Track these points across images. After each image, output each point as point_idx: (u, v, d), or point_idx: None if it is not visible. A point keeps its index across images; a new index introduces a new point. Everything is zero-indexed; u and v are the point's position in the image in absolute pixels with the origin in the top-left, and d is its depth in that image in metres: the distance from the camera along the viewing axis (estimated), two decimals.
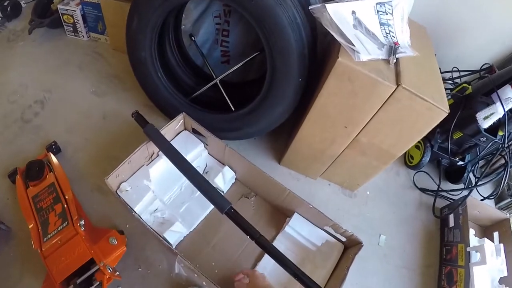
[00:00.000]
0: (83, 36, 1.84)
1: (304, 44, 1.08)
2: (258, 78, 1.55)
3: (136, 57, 1.32)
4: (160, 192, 1.27)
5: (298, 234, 1.25)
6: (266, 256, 1.22)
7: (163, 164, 1.29)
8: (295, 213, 1.28)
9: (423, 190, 1.70)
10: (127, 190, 1.18)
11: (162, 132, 1.22)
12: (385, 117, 1.11)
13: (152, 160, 1.30)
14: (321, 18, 1.04)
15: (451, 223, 1.50)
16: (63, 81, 1.63)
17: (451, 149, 1.59)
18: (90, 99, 1.59)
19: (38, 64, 1.69)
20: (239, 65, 1.36)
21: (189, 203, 1.29)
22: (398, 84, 1.00)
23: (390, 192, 1.64)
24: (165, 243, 1.04)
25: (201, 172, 1.34)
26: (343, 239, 1.24)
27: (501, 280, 1.31)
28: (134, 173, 1.24)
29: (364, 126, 1.17)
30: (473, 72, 1.73)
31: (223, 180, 1.34)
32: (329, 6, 1.05)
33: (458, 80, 1.77)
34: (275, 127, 1.35)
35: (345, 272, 1.10)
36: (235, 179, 1.40)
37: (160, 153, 1.27)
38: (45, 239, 1.04)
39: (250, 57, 1.34)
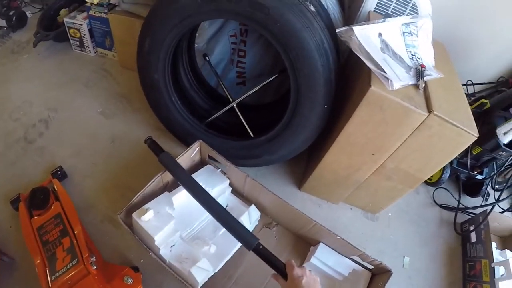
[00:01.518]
0: (90, 52, 1.77)
1: (331, 69, 1.04)
2: (275, 101, 1.50)
3: (148, 79, 1.26)
4: (180, 227, 1.15)
5: (324, 264, 1.21)
6: None
7: (184, 195, 1.19)
8: (321, 243, 1.24)
9: (443, 206, 1.68)
10: (149, 219, 1.06)
11: (178, 160, 1.17)
12: (414, 144, 1.08)
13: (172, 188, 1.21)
14: (349, 42, 1.00)
15: (473, 239, 1.49)
16: (69, 99, 1.57)
17: (470, 164, 1.57)
18: (97, 120, 1.52)
19: (42, 80, 1.63)
20: (257, 87, 1.31)
21: (212, 242, 1.17)
22: (429, 112, 0.97)
23: (411, 212, 1.62)
24: (188, 284, 0.98)
25: None
26: (371, 267, 1.21)
27: None
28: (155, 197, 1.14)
29: (392, 153, 1.13)
30: (488, 84, 1.72)
31: (249, 220, 1.27)
32: (356, 29, 1.01)
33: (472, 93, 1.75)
34: (297, 154, 1.30)
35: None
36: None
37: None
38: (53, 277, 0.97)
39: (269, 80, 1.30)
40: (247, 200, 1.32)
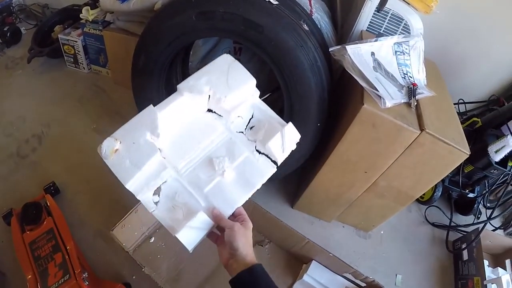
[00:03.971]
0: (84, 68, 1.78)
1: (324, 87, 1.05)
2: None
3: (142, 97, 1.27)
4: (173, 156, 0.76)
5: (317, 282, 1.21)
6: None
7: (182, 106, 0.78)
8: (313, 261, 1.23)
9: (435, 225, 1.69)
10: (116, 150, 0.71)
11: None
12: (406, 161, 1.09)
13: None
14: (342, 61, 1.02)
15: (465, 257, 1.49)
16: (63, 115, 1.56)
17: (461, 182, 1.58)
18: (90, 136, 1.52)
19: (36, 96, 1.63)
20: None
21: (220, 179, 0.75)
22: (422, 129, 0.98)
23: (403, 230, 1.63)
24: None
25: (244, 127, 0.82)
26: (363, 284, 1.20)
27: None
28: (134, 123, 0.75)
29: (385, 171, 1.14)
30: (480, 103, 1.75)
31: (282, 145, 0.80)
32: (349, 48, 1.03)
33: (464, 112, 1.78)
34: (290, 172, 1.30)
35: None
36: None
37: (181, 86, 0.78)
38: None
39: (262, 98, 1.28)
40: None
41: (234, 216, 0.73)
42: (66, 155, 1.43)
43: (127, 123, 0.74)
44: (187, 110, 0.79)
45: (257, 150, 0.80)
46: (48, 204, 1.19)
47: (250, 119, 0.83)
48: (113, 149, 0.70)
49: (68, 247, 1.05)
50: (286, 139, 0.80)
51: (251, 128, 0.82)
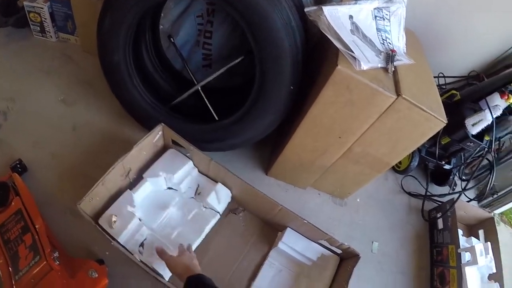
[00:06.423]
0: (51, 37, 1.68)
1: (298, 49, 1.01)
2: (243, 84, 1.46)
3: (108, 60, 1.19)
4: (148, 219, 1.15)
5: (292, 249, 1.21)
6: (260, 276, 1.17)
7: (149, 187, 1.19)
8: (288, 228, 1.23)
9: (411, 194, 1.72)
10: (114, 222, 1.06)
11: (140, 146, 1.13)
12: (382, 127, 1.07)
13: (133, 182, 1.19)
14: (318, 22, 0.98)
15: (440, 226, 1.53)
16: (29, 88, 1.48)
17: (438, 153, 1.60)
18: (58, 108, 1.44)
19: (1, 69, 1.53)
20: (222, 70, 1.27)
21: (182, 228, 1.17)
22: (398, 95, 0.96)
23: (379, 198, 1.65)
24: (158, 277, 0.97)
25: (193, 194, 1.26)
26: (339, 251, 1.21)
27: (490, 277, 1.37)
28: (116, 200, 1.12)
29: (360, 136, 1.12)
30: (460, 78, 1.75)
31: (217, 200, 1.24)
32: (326, 9, 0.99)
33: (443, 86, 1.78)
34: (263, 137, 1.27)
35: (344, 286, 1.08)
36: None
37: (145, 175, 1.19)
38: (16, 277, 0.93)
39: (235, 62, 1.26)
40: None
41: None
42: (33, 131, 1.35)
43: (115, 202, 1.11)
44: (154, 189, 1.21)
45: (204, 206, 1.23)
46: (16, 184, 1.12)
47: (197, 188, 1.27)
48: (113, 221, 1.06)
49: (37, 226, 1.01)
50: (219, 194, 1.24)
51: (199, 193, 1.26)
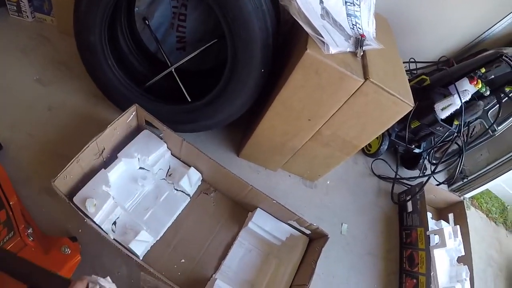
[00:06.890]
0: (28, 17, 1.64)
1: (269, 33, 1.03)
2: (216, 67, 1.47)
3: (84, 41, 1.19)
4: (121, 199, 1.17)
5: (262, 229, 1.24)
6: (231, 255, 1.19)
7: (122, 167, 1.19)
8: (258, 209, 1.26)
9: (381, 177, 1.75)
10: (95, 205, 1.06)
11: (114, 125, 1.13)
12: (350, 110, 1.10)
13: (107, 161, 1.20)
14: (288, 7, 1.00)
15: (410, 208, 1.57)
16: (3, 68, 1.45)
17: (408, 137, 1.64)
18: (34, 88, 1.42)
19: None
20: (195, 52, 1.28)
21: (154, 209, 1.20)
22: (366, 78, 0.99)
23: (349, 181, 1.68)
24: (132, 255, 0.98)
25: (164, 175, 1.29)
26: (308, 232, 1.24)
27: (459, 259, 1.42)
28: (90, 179, 1.12)
29: (329, 119, 1.15)
30: (430, 63, 1.79)
31: (189, 183, 1.27)
32: None
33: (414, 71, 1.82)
34: (235, 119, 1.29)
35: (312, 266, 1.10)
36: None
37: (120, 155, 1.19)
38: None
39: (208, 45, 1.27)
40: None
41: None
42: (7, 110, 1.33)
43: (90, 181, 1.11)
44: (127, 169, 1.22)
45: (175, 189, 1.27)
46: None
47: (168, 169, 1.31)
48: (94, 204, 1.07)
49: (11, 203, 1.00)
50: (192, 178, 1.28)
51: (170, 175, 1.30)
